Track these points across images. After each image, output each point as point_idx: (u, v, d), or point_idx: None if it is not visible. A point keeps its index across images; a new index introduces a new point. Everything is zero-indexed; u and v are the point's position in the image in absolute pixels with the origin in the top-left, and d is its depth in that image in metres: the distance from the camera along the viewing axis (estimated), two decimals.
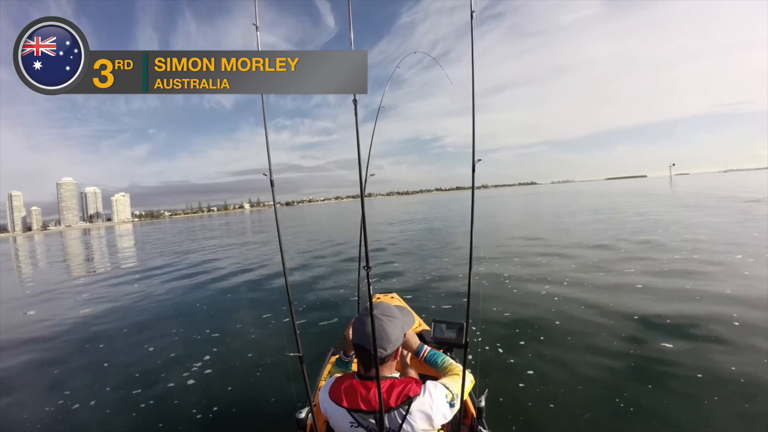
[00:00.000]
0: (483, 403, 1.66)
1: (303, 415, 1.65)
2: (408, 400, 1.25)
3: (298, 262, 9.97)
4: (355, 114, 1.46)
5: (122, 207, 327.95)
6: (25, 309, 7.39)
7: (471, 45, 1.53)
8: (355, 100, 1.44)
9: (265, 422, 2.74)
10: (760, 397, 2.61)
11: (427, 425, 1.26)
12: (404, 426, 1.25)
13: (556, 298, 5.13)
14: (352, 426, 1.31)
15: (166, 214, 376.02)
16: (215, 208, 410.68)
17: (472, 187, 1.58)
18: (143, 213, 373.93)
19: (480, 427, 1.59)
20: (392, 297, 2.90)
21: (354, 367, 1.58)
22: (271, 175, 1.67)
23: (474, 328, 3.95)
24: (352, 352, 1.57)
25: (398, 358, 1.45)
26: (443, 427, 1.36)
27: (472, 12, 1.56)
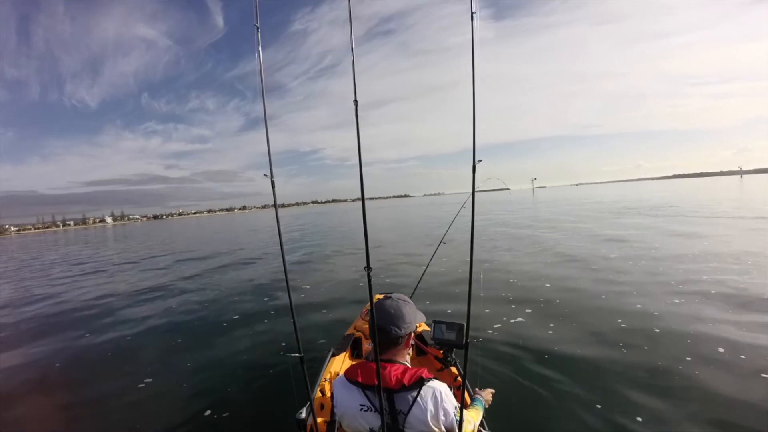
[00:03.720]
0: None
1: (303, 415, 1.65)
2: (420, 381, 1.29)
3: (292, 264, 9.94)
4: (356, 115, 1.46)
5: None
6: None
7: (471, 46, 1.52)
8: (355, 101, 1.43)
9: (265, 422, 2.74)
10: None
11: (433, 414, 1.27)
12: (414, 408, 1.27)
13: (558, 298, 5.15)
14: (362, 409, 1.33)
15: (12, 229, 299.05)
16: (72, 222, 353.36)
17: (473, 188, 1.58)
18: None
19: (480, 428, 1.59)
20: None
21: None
22: (272, 176, 1.67)
23: (473, 326, 3.94)
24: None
25: (410, 346, 1.49)
26: None
27: (472, 13, 1.55)
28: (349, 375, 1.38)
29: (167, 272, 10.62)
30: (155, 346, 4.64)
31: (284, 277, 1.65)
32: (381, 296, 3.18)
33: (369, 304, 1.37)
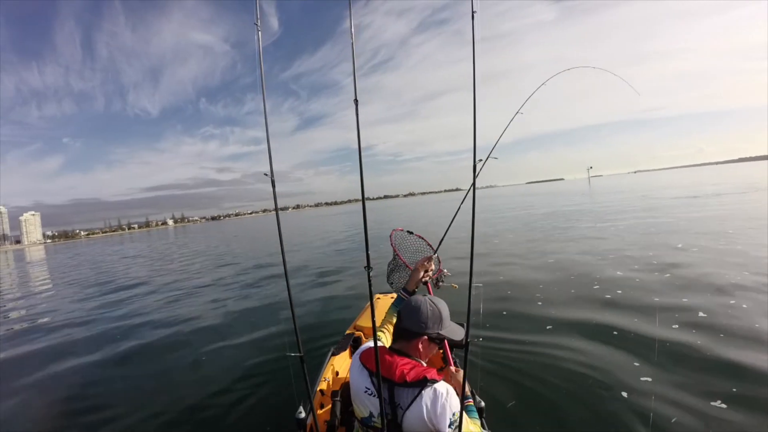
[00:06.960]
0: (483, 404, 1.66)
1: (303, 415, 1.65)
2: (423, 381, 1.28)
3: (296, 267, 9.97)
4: (356, 114, 1.45)
5: (32, 228, 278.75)
6: None
7: (472, 45, 1.52)
8: (356, 101, 1.43)
9: (265, 422, 2.74)
10: None
11: (432, 416, 1.24)
12: (413, 406, 1.26)
13: (560, 297, 5.13)
14: (366, 393, 1.36)
15: (83, 234, 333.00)
16: (136, 225, 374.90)
17: (473, 187, 1.58)
18: (56, 234, 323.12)
19: (480, 428, 1.58)
20: (392, 297, 2.90)
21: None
22: (272, 176, 1.67)
23: (474, 324, 3.93)
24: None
25: (420, 348, 1.43)
26: None
27: (473, 13, 1.55)
28: (363, 358, 1.42)
29: (182, 272, 10.69)
30: (155, 344, 4.67)
31: (285, 280, 1.65)
32: (381, 296, 3.17)
33: (369, 303, 1.37)
